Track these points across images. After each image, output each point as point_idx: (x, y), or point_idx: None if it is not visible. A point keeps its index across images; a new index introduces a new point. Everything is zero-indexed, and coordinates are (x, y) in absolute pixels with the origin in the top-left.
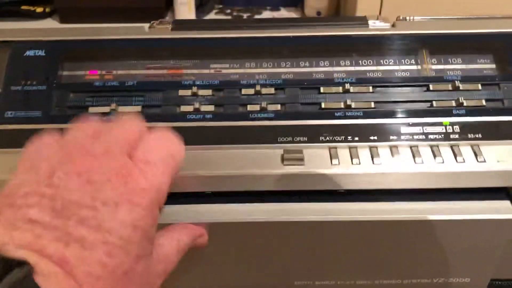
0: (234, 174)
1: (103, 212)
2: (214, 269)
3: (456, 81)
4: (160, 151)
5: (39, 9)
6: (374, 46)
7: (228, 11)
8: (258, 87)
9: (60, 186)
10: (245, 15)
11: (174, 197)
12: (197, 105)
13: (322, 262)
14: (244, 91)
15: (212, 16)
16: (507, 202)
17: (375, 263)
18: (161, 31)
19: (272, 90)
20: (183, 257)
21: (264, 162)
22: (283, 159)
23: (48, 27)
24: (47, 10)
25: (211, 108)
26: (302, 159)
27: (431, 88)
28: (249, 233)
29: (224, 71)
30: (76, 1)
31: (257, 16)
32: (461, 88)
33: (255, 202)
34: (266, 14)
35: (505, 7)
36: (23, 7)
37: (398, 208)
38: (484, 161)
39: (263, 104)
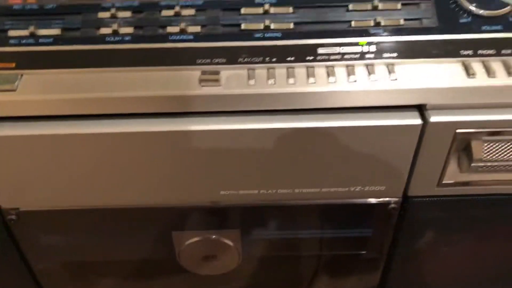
0: (151, 95)
1: None
2: (147, 184)
3: (375, 0)
4: None
5: None
6: None
7: None
8: (178, 8)
9: None
10: None
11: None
12: (115, 27)
13: (246, 171)
14: (164, 12)
15: None
16: (416, 113)
17: (295, 172)
18: None
19: (192, 12)
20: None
21: (182, 83)
22: (200, 80)
23: None
24: None
25: (130, 30)
26: (218, 80)
27: (350, 8)
28: (177, 143)
29: None
30: None
31: None
32: (379, 7)
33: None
34: None
35: None
36: None
37: (313, 118)
38: (396, 79)
39: (183, 26)
